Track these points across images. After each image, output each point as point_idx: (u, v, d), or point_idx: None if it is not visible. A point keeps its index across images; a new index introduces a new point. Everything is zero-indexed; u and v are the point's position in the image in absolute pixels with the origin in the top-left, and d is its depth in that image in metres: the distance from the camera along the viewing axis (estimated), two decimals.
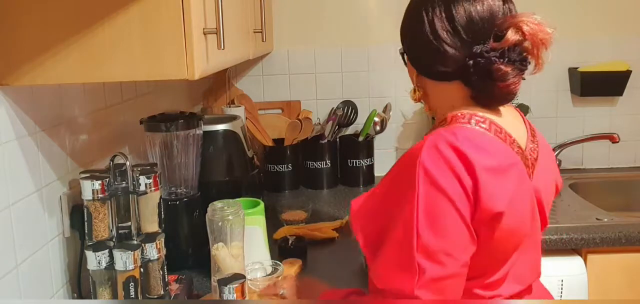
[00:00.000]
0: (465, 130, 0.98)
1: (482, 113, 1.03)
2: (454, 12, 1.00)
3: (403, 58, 1.15)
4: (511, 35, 0.97)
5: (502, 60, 0.98)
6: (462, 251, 0.93)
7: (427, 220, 0.90)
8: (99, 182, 1.11)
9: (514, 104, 2.10)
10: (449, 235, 0.91)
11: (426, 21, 1.02)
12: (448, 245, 0.91)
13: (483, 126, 1.00)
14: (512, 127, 1.05)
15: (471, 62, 0.99)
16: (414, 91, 1.13)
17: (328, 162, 2.21)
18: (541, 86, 2.29)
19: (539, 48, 1.00)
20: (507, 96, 1.02)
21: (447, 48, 1.01)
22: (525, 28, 0.98)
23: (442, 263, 0.90)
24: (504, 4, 1.01)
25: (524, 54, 1.00)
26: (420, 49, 1.06)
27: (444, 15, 1.01)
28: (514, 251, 1.02)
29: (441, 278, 0.90)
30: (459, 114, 1.02)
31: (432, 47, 1.02)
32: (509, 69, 0.98)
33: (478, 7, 0.99)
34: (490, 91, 1.01)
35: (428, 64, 1.06)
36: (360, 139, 2.22)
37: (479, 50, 0.98)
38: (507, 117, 1.07)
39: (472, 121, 1.00)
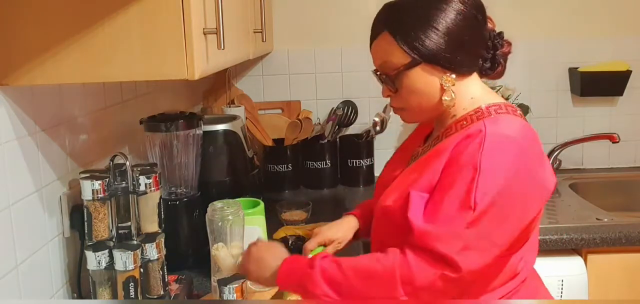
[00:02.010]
0: (510, 120, 1.06)
1: (500, 101, 1.11)
2: (479, 2, 1.10)
3: (394, 79, 1.09)
4: (491, 18, 1.13)
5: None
6: None
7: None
8: (99, 182, 1.11)
9: (516, 103, 2.12)
10: None
11: (471, 18, 1.07)
12: None
13: (516, 113, 1.09)
14: None
15: (494, 43, 1.12)
16: (448, 94, 1.09)
17: (328, 162, 2.21)
18: (541, 86, 2.29)
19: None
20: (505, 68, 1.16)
21: (487, 38, 1.11)
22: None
23: None
24: None
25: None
26: (470, 46, 1.09)
27: (477, 7, 1.09)
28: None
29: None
30: (495, 105, 1.09)
31: (484, 40, 1.11)
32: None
33: None
34: (502, 66, 1.14)
35: (476, 58, 1.11)
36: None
37: (494, 35, 1.12)
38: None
39: (509, 109, 1.09)
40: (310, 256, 1.26)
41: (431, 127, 1.22)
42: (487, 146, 0.98)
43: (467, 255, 0.97)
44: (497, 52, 1.12)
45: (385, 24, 1.10)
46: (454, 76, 1.08)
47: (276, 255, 1.13)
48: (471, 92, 1.11)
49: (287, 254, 1.14)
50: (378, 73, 1.14)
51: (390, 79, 1.11)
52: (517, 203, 1.00)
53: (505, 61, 1.15)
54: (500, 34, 1.14)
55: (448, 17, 1.04)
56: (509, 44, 1.15)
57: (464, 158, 1.00)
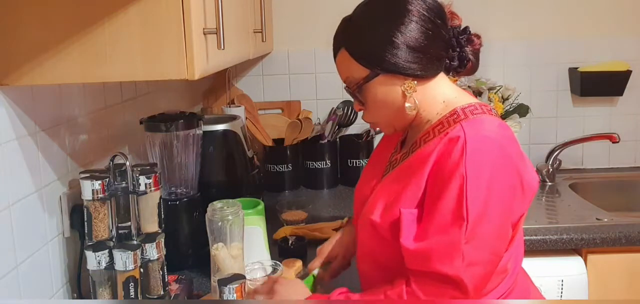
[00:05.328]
0: (488, 120, 1.03)
1: (474, 101, 1.09)
2: (433, 4, 1.06)
3: (357, 93, 1.09)
4: (455, 14, 1.10)
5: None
6: None
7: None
8: (99, 182, 1.11)
9: (515, 104, 2.12)
10: None
11: (427, 23, 1.03)
12: None
13: (492, 113, 1.07)
14: None
15: (459, 40, 1.08)
16: (410, 105, 1.07)
17: (328, 162, 2.21)
18: (541, 86, 2.29)
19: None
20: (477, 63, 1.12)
21: (449, 36, 1.07)
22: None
23: None
24: None
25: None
26: (428, 51, 1.04)
27: (431, 10, 1.05)
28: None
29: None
30: (471, 106, 1.06)
31: (444, 41, 1.07)
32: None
33: None
34: (472, 62, 1.10)
35: (438, 61, 1.07)
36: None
37: (458, 32, 1.08)
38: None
39: (485, 109, 1.06)
40: (314, 272, 1.30)
41: (404, 133, 1.19)
42: (469, 151, 0.97)
43: (473, 271, 0.96)
44: (464, 49, 1.09)
45: (342, 41, 1.10)
46: (415, 82, 1.06)
47: (298, 294, 1.16)
48: (442, 94, 1.09)
49: (308, 293, 1.18)
50: (346, 88, 1.14)
51: (354, 93, 1.11)
52: (505, 202, 0.99)
53: (475, 57, 1.11)
54: (466, 29, 1.10)
55: (403, 27, 1.02)
56: (478, 37, 1.11)
57: (448, 167, 0.98)
